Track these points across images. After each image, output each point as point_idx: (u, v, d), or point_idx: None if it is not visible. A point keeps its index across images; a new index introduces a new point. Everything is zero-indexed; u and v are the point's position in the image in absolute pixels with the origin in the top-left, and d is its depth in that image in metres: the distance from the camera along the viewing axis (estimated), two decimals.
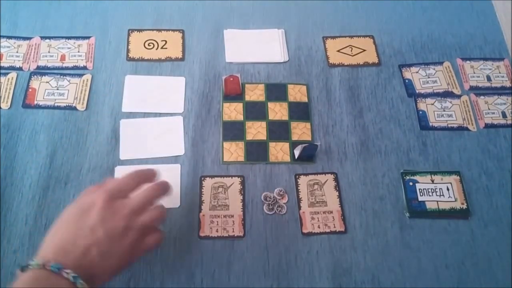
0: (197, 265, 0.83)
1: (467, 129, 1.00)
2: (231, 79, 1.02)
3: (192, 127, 0.98)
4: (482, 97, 1.04)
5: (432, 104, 1.03)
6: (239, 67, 1.06)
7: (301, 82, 1.05)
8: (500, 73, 1.08)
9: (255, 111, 1.00)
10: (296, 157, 0.94)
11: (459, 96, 1.04)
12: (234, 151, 0.95)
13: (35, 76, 1.02)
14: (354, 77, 1.06)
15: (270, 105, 1.01)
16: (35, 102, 0.98)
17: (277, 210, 0.89)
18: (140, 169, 0.79)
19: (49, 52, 1.06)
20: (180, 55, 1.07)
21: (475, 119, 1.01)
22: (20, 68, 1.03)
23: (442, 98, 1.04)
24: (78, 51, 1.06)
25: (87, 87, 1.01)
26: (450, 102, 1.03)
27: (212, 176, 0.92)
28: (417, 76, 1.07)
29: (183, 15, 1.13)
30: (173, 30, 1.11)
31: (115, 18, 1.12)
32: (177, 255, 0.84)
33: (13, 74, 1.02)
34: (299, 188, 0.91)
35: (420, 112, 1.02)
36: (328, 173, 0.93)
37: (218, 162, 0.94)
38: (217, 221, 0.87)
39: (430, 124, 1.00)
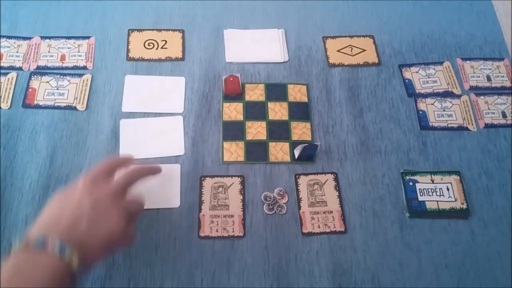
0: (197, 265, 0.83)
1: (467, 129, 1.00)
2: (231, 79, 1.02)
3: (192, 127, 0.98)
4: (482, 97, 1.04)
5: (432, 104, 1.03)
6: (239, 67, 1.06)
7: (301, 82, 1.05)
8: (500, 73, 1.08)
9: (255, 111, 1.00)
10: (296, 157, 0.94)
11: (459, 96, 1.04)
12: (234, 151, 0.95)
13: (35, 76, 1.02)
14: (354, 77, 1.06)
15: (270, 105, 1.01)
16: (35, 102, 0.98)
17: (277, 210, 0.89)
18: (115, 157, 0.85)
19: (49, 52, 1.06)
20: (180, 55, 1.07)
21: (475, 119, 1.01)
22: (20, 68, 1.03)
23: (442, 98, 1.04)
24: (78, 51, 1.06)
25: (87, 87, 1.01)
26: (450, 102, 1.03)
27: (212, 176, 0.92)
28: (417, 76, 1.07)
29: (183, 15, 1.13)
30: (173, 30, 1.11)
31: (115, 18, 1.12)
32: (177, 255, 0.84)
33: (13, 74, 1.02)
34: (299, 188, 0.91)
35: (420, 112, 1.02)
36: (328, 173, 0.93)
37: (218, 162, 0.94)
38: (217, 221, 0.87)
39: (430, 124, 1.00)
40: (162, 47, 1.07)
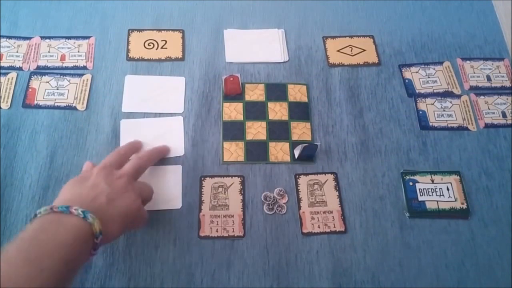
0: (197, 265, 0.83)
1: (467, 129, 1.00)
2: (231, 79, 1.02)
3: (192, 127, 0.98)
4: (482, 97, 1.04)
5: (432, 104, 1.03)
6: (239, 67, 1.06)
7: (301, 82, 1.05)
8: (500, 73, 1.08)
9: (255, 111, 1.00)
10: (296, 157, 0.94)
11: (459, 96, 1.04)
12: (234, 151, 0.95)
13: (35, 76, 1.02)
14: (354, 77, 1.06)
15: (270, 105, 1.01)
16: (35, 102, 0.98)
17: (277, 210, 0.89)
18: (124, 147, 0.89)
19: (49, 52, 1.06)
20: (180, 55, 1.07)
21: (475, 119, 1.01)
22: (20, 68, 1.03)
23: (442, 98, 1.04)
24: (78, 51, 1.06)
25: (87, 87, 1.01)
26: (450, 102, 1.03)
27: (212, 176, 0.92)
28: (417, 76, 1.07)
29: (183, 15, 1.13)
30: (173, 30, 1.11)
31: (115, 18, 1.12)
32: (177, 255, 0.84)
33: (13, 74, 1.02)
34: (299, 188, 0.91)
35: (420, 112, 1.02)
36: (328, 173, 0.93)
37: (218, 162, 0.94)
38: (217, 221, 0.87)
39: (430, 124, 1.00)
40: (162, 47, 1.07)
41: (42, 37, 1.07)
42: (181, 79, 1.04)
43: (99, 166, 0.77)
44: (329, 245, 0.86)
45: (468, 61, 1.09)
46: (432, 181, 0.93)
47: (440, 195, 0.91)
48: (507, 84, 1.06)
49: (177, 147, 0.95)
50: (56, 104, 0.98)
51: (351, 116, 1.01)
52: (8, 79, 1.01)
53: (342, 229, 0.87)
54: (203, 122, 0.98)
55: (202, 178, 0.92)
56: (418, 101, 1.03)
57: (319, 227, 0.87)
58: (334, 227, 0.88)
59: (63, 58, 1.05)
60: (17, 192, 0.88)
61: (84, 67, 1.04)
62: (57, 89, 1.00)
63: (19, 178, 0.90)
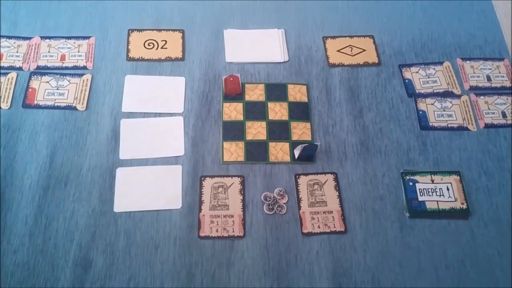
0: (197, 265, 0.83)
1: (467, 129, 1.00)
2: (231, 79, 1.02)
3: (192, 127, 0.98)
4: (482, 97, 1.04)
5: (432, 104, 1.03)
6: (239, 67, 1.06)
7: (301, 82, 1.05)
8: (500, 73, 1.08)
9: (255, 111, 1.00)
10: (296, 157, 0.94)
11: (459, 96, 1.04)
12: (234, 151, 0.95)
13: (35, 76, 1.02)
14: (354, 77, 1.06)
15: (270, 105, 1.01)
16: (35, 102, 0.98)
17: (277, 210, 0.89)
18: None
19: (49, 52, 1.06)
20: (180, 55, 1.07)
21: (475, 119, 1.01)
22: (20, 68, 1.03)
23: (442, 98, 1.04)
24: (78, 51, 1.06)
25: (87, 87, 1.01)
26: (450, 102, 1.03)
27: (212, 176, 0.92)
28: (417, 76, 1.07)
29: (183, 15, 1.13)
30: (173, 30, 1.10)
31: (115, 18, 1.11)
32: (177, 255, 0.84)
33: (13, 74, 1.02)
34: (299, 188, 0.91)
35: (420, 112, 1.02)
36: (328, 173, 0.93)
37: (218, 162, 0.94)
38: (217, 221, 0.87)
39: (430, 124, 1.00)
40: (162, 47, 1.07)
41: (42, 37, 1.07)
42: (181, 79, 1.04)
43: None
44: (329, 245, 0.86)
45: (468, 61, 1.09)
46: (432, 181, 0.93)
47: (440, 195, 0.91)
48: (507, 84, 1.06)
49: (177, 147, 0.95)
50: (56, 104, 0.98)
51: (351, 116, 1.01)
52: (8, 79, 1.01)
53: (342, 229, 0.87)
54: (203, 122, 0.98)
55: (202, 178, 0.92)
56: (418, 101, 1.03)
57: (319, 227, 0.87)
58: (334, 227, 0.88)
59: (63, 58, 1.05)
60: (17, 192, 0.88)
61: (84, 67, 1.04)
62: (57, 89, 1.00)
63: (19, 178, 0.90)
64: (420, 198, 0.91)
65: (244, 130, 0.97)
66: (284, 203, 0.90)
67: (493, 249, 0.86)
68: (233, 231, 0.86)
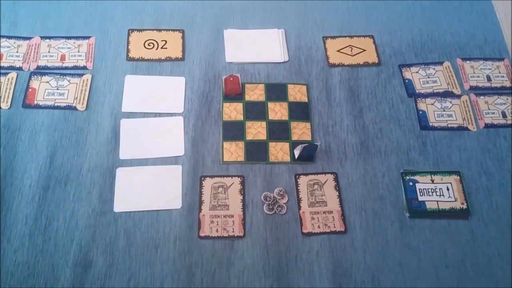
0: (197, 265, 0.83)
1: (467, 129, 1.00)
2: (231, 79, 1.02)
3: (192, 127, 0.98)
4: (482, 97, 1.04)
5: (432, 104, 1.03)
6: (239, 67, 1.06)
7: (301, 82, 1.05)
8: (500, 73, 1.08)
9: (255, 111, 1.00)
10: (296, 157, 0.94)
11: (459, 96, 1.04)
12: (234, 151, 0.95)
13: (35, 76, 1.02)
14: (354, 77, 1.06)
15: (270, 105, 1.01)
16: (35, 102, 0.98)
17: (277, 210, 0.89)
18: None
19: (49, 52, 1.06)
20: (180, 55, 1.07)
21: (475, 119, 1.01)
22: (20, 68, 1.03)
23: (442, 98, 1.04)
24: (78, 51, 1.06)
25: (87, 87, 1.01)
26: (450, 102, 1.03)
27: (212, 176, 0.92)
28: (417, 76, 1.07)
29: (183, 15, 1.13)
30: (173, 30, 1.10)
31: (115, 18, 1.11)
32: (177, 255, 0.84)
33: (13, 74, 1.02)
34: (299, 188, 0.91)
35: (420, 112, 1.02)
36: (328, 173, 0.93)
37: (218, 162, 0.94)
38: (217, 221, 0.87)
39: (430, 124, 1.00)
40: (162, 47, 1.07)
41: (42, 37, 1.07)
42: (181, 79, 1.04)
43: None
44: (329, 245, 0.86)
45: (468, 61, 1.09)
46: (432, 181, 0.93)
47: (440, 195, 0.91)
48: (507, 84, 1.06)
49: (177, 147, 0.95)
50: (56, 104, 0.98)
51: (351, 116, 1.01)
52: (8, 79, 1.01)
53: (342, 229, 0.87)
54: (203, 122, 0.98)
55: (202, 178, 0.92)
56: (418, 101, 1.03)
57: (319, 227, 0.87)
58: (334, 227, 0.88)
59: (63, 58, 1.05)
60: (17, 192, 0.88)
61: (84, 67, 1.04)
62: (57, 89, 1.00)
63: (19, 178, 0.90)
64: (420, 198, 0.91)
65: (244, 130, 0.97)
66: (284, 203, 0.90)
67: (493, 249, 0.86)
68: (233, 231, 0.86)
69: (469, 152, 0.97)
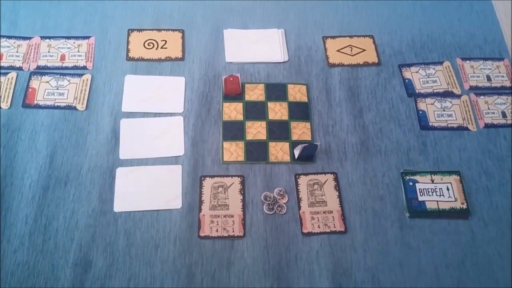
0: (197, 265, 0.83)
1: (467, 129, 1.00)
2: (231, 79, 1.02)
3: (192, 127, 0.98)
4: (482, 97, 1.04)
5: (432, 104, 1.03)
6: (239, 67, 1.06)
7: (301, 82, 1.05)
8: (500, 73, 1.08)
9: (255, 111, 1.00)
10: (296, 157, 0.94)
11: (459, 96, 1.04)
12: (234, 151, 0.95)
13: (35, 76, 1.02)
14: (354, 77, 1.06)
15: (270, 105, 1.01)
16: (35, 102, 0.98)
17: (277, 210, 0.89)
18: None
19: (49, 52, 1.05)
20: (180, 55, 1.07)
21: (475, 119, 1.01)
22: (20, 68, 1.03)
23: (442, 98, 1.04)
24: (78, 51, 1.06)
25: (87, 87, 1.01)
26: (450, 102, 1.03)
27: (212, 176, 0.92)
28: (417, 76, 1.07)
29: (183, 15, 1.13)
30: (173, 30, 1.10)
31: (115, 18, 1.11)
32: (177, 255, 0.84)
33: (13, 74, 1.02)
34: (299, 188, 0.91)
35: (420, 112, 1.02)
36: (328, 173, 0.93)
37: (218, 162, 0.94)
38: (217, 221, 0.87)
39: (430, 124, 1.00)
40: (162, 47, 1.07)
41: (42, 37, 1.07)
42: (181, 79, 1.04)
43: None
44: (329, 245, 0.86)
45: (468, 61, 1.09)
46: (432, 181, 0.93)
47: (440, 195, 0.91)
48: (507, 84, 1.06)
49: (177, 147, 0.95)
50: (56, 104, 0.98)
51: (351, 116, 1.01)
52: (8, 79, 1.01)
53: (342, 229, 0.87)
54: (203, 122, 0.98)
55: (202, 178, 0.92)
56: (418, 101, 1.03)
57: (319, 227, 0.87)
58: (334, 227, 0.88)
59: (63, 58, 1.05)
60: (17, 192, 0.88)
61: (84, 67, 1.04)
62: (57, 89, 1.00)
63: (19, 178, 0.90)
64: (420, 198, 0.91)
65: (244, 130, 0.97)
66: (284, 203, 0.90)
67: (493, 249, 0.86)
68: (233, 231, 0.86)
69: (469, 152, 0.97)
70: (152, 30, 1.10)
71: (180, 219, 0.87)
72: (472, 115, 1.01)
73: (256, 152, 0.95)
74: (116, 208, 0.88)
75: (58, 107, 0.98)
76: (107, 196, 0.89)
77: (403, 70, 1.07)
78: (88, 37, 1.08)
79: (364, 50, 1.10)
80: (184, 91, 1.02)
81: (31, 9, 1.11)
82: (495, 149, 0.97)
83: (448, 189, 0.92)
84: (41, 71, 1.03)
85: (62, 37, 1.08)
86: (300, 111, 1.01)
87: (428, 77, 1.06)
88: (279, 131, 0.98)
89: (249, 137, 0.97)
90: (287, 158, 0.95)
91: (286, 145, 0.96)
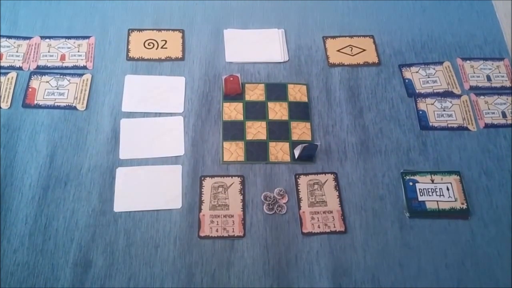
0: (197, 265, 0.83)
1: (467, 129, 1.00)
2: (231, 79, 1.02)
3: (192, 127, 0.98)
4: (482, 97, 1.04)
5: (432, 104, 1.03)
6: (239, 67, 1.06)
7: (301, 82, 1.05)
8: (500, 73, 1.08)
9: (255, 111, 1.00)
10: (296, 157, 0.94)
11: (459, 96, 1.04)
12: (234, 151, 0.95)
13: (35, 75, 1.02)
14: (354, 77, 1.06)
15: (270, 105, 1.01)
16: (35, 102, 0.98)
17: (277, 210, 0.89)
18: None
19: (49, 51, 1.05)
20: (180, 55, 1.07)
21: (475, 119, 1.01)
22: (20, 68, 1.03)
23: (442, 98, 1.04)
24: (78, 51, 1.06)
25: (87, 87, 1.01)
26: (450, 102, 1.03)
27: (212, 176, 0.92)
28: (417, 76, 1.07)
29: (183, 15, 1.13)
30: (173, 30, 1.10)
31: (115, 18, 1.11)
32: (177, 255, 0.84)
33: (13, 74, 1.02)
34: (299, 188, 0.91)
35: (420, 112, 1.02)
36: (328, 173, 0.93)
37: (218, 162, 0.94)
38: (217, 221, 0.87)
39: (430, 124, 1.00)
40: (162, 47, 1.07)
41: (42, 37, 1.07)
42: (181, 79, 1.04)
43: None
44: (329, 245, 0.86)
45: (468, 61, 1.09)
46: (432, 181, 0.93)
47: (440, 195, 0.91)
48: (507, 84, 1.06)
49: (177, 147, 0.95)
50: (56, 104, 0.98)
51: (351, 116, 1.01)
52: (8, 79, 1.01)
53: (342, 229, 0.87)
54: (203, 122, 0.98)
55: (202, 178, 0.92)
56: (418, 101, 1.03)
57: (319, 227, 0.87)
58: (334, 227, 0.88)
59: (63, 58, 1.05)
60: (17, 192, 0.88)
61: (84, 67, 1.04)
62: (57, 89, 1.00)
63: (19, 178, 0.90)
64: (420, 198, 0.91)
65: (244, 130, 0.97)
66: (284, 203, 0.90)
67: (493, 249, 0.86)
68: (233, 231, 0.86)
69: (469, 152, 0.97)
70: (152, 30, 1.10)
71: (180, 219, 0.87)
72: (472, 115, 1.01)
73: (256, 152, 0.95)
74: (116, 208, 0.88)
75: (58, 107, 0.98)
76: (107, 196, 0.89)
77: (403, 70, 1.07)
78: (88, 37, 1.08)
79: (364, 50, 1.10)
80: (184, 91, 1.02)
81: (31, 9, 1.11)
82: (495, 149, 0.97)
83: (448, 189, 0.92)
84: (41, 71, 1.03)
85: (62, 37, 1.08)
86: (300, 111, 1.01)
87: (428, 77, 1.06)
88: (279, 131, 0.98)
89: (249, 137, 0.97)
90: (287, 158, 0.95)
91: (286, 145, 0.96)
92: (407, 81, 1.06)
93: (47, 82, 1.01)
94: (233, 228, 0.86)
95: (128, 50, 1.07)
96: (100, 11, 1.12)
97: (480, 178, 0.94)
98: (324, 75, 1.06)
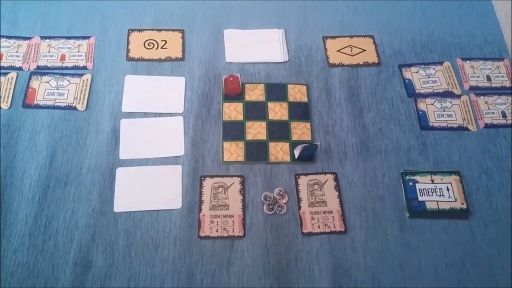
0: (197, 265, 0.83)
1: (467, 129, 1.00)
2: (231, 79, 1.02)
3: (192, 127, 0.98)
4: (482, 97, 1.04)
5: (432, 104, 1.03)
6: (239, 67, 1.06)
7: (301, 82, 1.05)
8: (500, 73, 1.08)
9: (255, 111, 1.00)
10: (296, 157, 0.94)
11: (459, 96, 1.04)
12: (234, 151, 0.95)
13: (35, 76, 1.02)
14: (354, 77, 1.06)
15: (270, 105, 1.01)
16: (35, 102, 0.98)
17: (277, 210, 0.89)
18: None
19: (49, 52, 1.06)
20: (180, 55, 1.07)
21: (475, 119, 1.01)
22: (20, 68, 1.03)
23: (442, 98, 1.04)
24: (78, 51, 1.06)
25: (87, 87, 1.01)
26: (450, 102, 1.03)
27: (212, 176, 0.92)
28: (417, 76, 1.07)
29: (183, 15, 1.13)
30: (173, 30, 1.10)
31: (115, 18, 1.11)
32: (177, 255, 0.84)
33: (13, 74, 1.02)
34: (299, 188, 0.91)
35: (420, 112, 1.02)
36: (328, 173, 0.93)
37: (218, 162, 0.94)
38: (217, 221, 0.87)
39: (430, 124, 1.00)
40: (162, 47, 1.07)
41: (42, 37, 1.07)
42: (181, 79, 1.04)
43: None
44: (329, 245, 0.86)
45: (468, 61, 1.09)
46: (432, 181, 0.93)
47: (440, 195, 0.91)
48: (507, 84, 1.06)
49: (177, 147, 0.95)
50: (56, 104, 0.98)
51: (351, 116, 1.01)
52: (8, 79, 1.01)
53: (342, 229, 0.87)
54: (203, 122, 0.98)
55: (202, 178, 0.92)
56: (418, 101, 1.03)
57: (319, 227, 0.87)
58: (334, 227, 0.88)
59: (63, 58, 1.05)
60: (17, 192, 0.88)
61: (84, 67, 1.04)
62: (57, 89, 1.00)
63: (19, 178, 0.90)
64: (420, 198, 0.91)
65: (244, 130, 0.97)
66: (284, 203, 0.90)
67: (493, 249, 0.86)
68: (233, 231, 0.86)
69: (469, 152, 0.97)
70: (152, 30, 1.10)
71: (180, 219, 0.87)
72: (472, 115, 1.01)
73: (256, 152, 0.95)
74: (116, 208, 0.88)
75: (58, 107, 0.98)
76: (107, 196, 0.89)
77: (403, 70, 1.07)
78: (88, 37, 1.08)
79: (364, 50, 1.10)
80: (184, 91, 1.02)
81: (31, 9, 1.11)
82: (495, 149, 0.97)
83: (448, 189, 0.92)
84: (41, 71, 1.03)
85: (62, 37, 1.08)
86: (300, 111, 1.01)
87: (428, 77, 1.06)
88: (279, 131, 0.98)
89: (249, 137, 0.97)
90: (287, 158, 0.95)
91: (286, 145, 0.96)
92: (407, 81, 1.06)
93: (47, 82, 1.01)
94: (233, 228, 0.86)
95: (128, 50, 1.07)
96: (100, 11, 1.12)
97: (480, 178, 0.94)
98: (324, 75, 1.06)
